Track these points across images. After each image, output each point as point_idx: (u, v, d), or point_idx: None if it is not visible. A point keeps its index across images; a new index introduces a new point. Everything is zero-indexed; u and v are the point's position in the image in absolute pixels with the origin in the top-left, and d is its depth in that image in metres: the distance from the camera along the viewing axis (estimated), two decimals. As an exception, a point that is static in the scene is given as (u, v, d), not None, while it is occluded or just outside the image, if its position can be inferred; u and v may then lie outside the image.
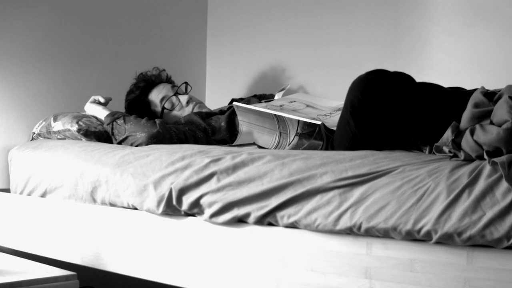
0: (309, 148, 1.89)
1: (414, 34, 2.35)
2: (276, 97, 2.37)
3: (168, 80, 2.58)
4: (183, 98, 2.46)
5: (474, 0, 2.21)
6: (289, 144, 1.95)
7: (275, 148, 1.98)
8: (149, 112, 2.47)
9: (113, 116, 2.23)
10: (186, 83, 2.54)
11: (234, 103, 2.08)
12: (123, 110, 2.61)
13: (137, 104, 2.49)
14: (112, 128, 2.22)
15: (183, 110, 2.45)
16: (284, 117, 1.92)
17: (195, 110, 2.44)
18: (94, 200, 1.94)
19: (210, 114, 2.36)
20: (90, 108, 2.36)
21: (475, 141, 1.32)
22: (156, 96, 2.47)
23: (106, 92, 2.69)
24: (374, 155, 1.49)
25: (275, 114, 1.95)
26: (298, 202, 1.48)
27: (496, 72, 2.15)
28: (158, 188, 1.74)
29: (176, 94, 2.47)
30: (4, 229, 2.25)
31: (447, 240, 1.26)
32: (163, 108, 2.44)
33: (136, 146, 2.12)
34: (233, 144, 2.08)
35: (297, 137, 1.92)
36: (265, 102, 2.32)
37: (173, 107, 2.45)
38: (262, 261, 1.55)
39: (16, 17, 2.46)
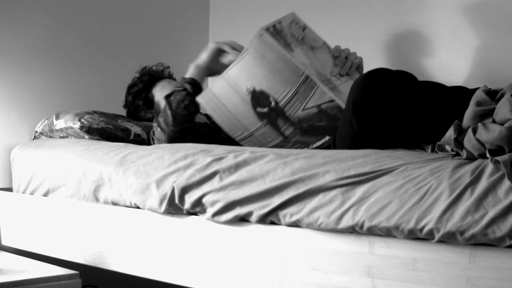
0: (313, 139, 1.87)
1: (416, 33, 2.35)
2: None
3: (171, 77, 2.57)
4: None
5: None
6: (303, 110, 1.85)
7: (283, 105, 1.87)
8: (150, 108, 2.45)
9: (184, 88, 2.11)
10: None
11: (261, 31, 1.87)
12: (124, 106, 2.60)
13: (139, 98, 2.45)
14: (169, 98, 2.09)
15: None
16: (313, 84, 1.81)
17: None
18: (97, 199, 1.95)
19: None
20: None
21: (478, 140, 1.32)
22: (160, 91, 2.43)
23: (108, 90, 2.70)
24: (376, 153, 1.49)
25: (305, 76, 1.82)
26: (301, 201, 1.48)
27: (499, 71, 2.15)
28: (160, 186, 1.74)
29: None
30: (6, 228, 2.25)
31: (449, 238, 1.26)
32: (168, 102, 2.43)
33: (153, 136, 2.11)
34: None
35: (315, 109, 1.83)
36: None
37: None
38: (264, 260, 1.56)
39: (18, 17, 2.46)
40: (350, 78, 1.95)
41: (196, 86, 2.12)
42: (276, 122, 1.89)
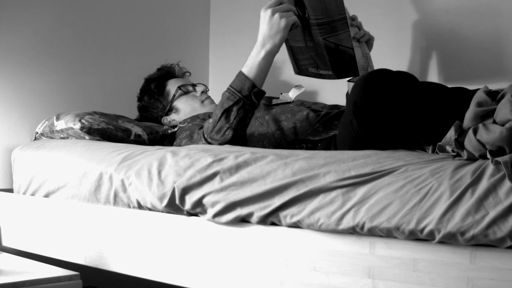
0: None
1: (417, 34, 2.35)
2: (290, 94, 2.36)
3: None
4: (199, 88, 2.50)
5: (476, -1, 2.21)
6: (323, 38, 1.92)
7: (312, 24, 1.93)
8: (160, 94, 2.49)
9: (239, 98, 1.93)
10: (205, 85, 2.57)
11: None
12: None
13: (154, 82, 2.52)
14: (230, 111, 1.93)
15: (195, 97, 2.47)
16: (346, 26, 1.90)
17: (208, 101, 2.48)
18: (98, 200, 1.95)
19: None
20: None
21: (478, 141, 1.32)
22: (174, 82, 2.53)
23: (108, 91, 2.70)
24: (377, 154, 1.49)
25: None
26: (301, 201, 1.48)
27: (499, 72, 2.15)
28: (161, 187, 1.74)
29: (193, 84, 2.53)
30: (7, 229, 2.25)
31: (450, 239, 1.26)
32: (179, 88, 2.47)
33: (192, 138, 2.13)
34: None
35: (333, 45, 1.91)
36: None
37: (187, 92, 2.48)
38: (265, 261, 1.56)
39: (19, 17, 2.46)
40: (358, 46, 2.01)
41: (259, 96, 1.96)
42: (304, 30, 1.95)
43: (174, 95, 2.47)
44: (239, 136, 1.94)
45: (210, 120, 1.97)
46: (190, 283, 1.70)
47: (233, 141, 1.93)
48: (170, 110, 2.47)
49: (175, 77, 2.58)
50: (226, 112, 1.93)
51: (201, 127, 2.12)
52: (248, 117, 1.95)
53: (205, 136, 1.97)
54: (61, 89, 2.58)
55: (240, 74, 1.94)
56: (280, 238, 1.53)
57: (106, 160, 1.94)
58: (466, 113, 1.41)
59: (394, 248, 1.35)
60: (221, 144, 1.93)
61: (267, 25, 1.87)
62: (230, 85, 1.96)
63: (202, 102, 2.46)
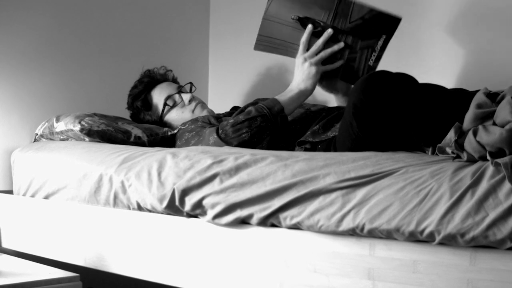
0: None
1: (417, 36, 2.35)
2: None
3: (174, 81, 2.57)
4: (186, 97, 2.43)
5: (475, 1, 2.21)
6: (350, 23, 1.99)
7: (331, 23, 2.00)
8: (148, 109, 2.45)
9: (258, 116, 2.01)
10: (191, 83, 2.52)
11: None
12: (124, 109, 2.60)
13: (138, 99, 2.46)
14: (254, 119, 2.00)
15: (184, 108, 2.43)
16: (348, 1, 1.96)
17: (199, 109, 2.42)
18: (97, 201, 1.95)
19: (226, 116, 2.34)
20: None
21: (478, 142, 1.32)
22: (159, 93, 2.45)
23: (109, 93, 2.70)
24: (377, 156, 1.49)
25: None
26: (301, 203, 1.48)
27: (499, 73, 2.15)
28: (161, 188, 1.74)
29: (179, 92, 2.45)
30: (7, 231, 2.25)
31: (450, 241, 1.26)
32: (165, 104, 2.41)
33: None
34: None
35: (360, 21, 1.99)
36: None
37: (175, 104, 2.42)
38: (265, 262, 1.56)
39: (18, 19, 2.46)
40: None
41: (284, 121, 2.05)
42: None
43: (162, 111, 2.43)
44: (251, 144, 1.98)
45: (231, 120, 2.02)
46: (190, 284, 1.70)
47: (244, 145, 1.97)
48: (163, 124, 2.43)
49: (157, 83, 2.49)
50: (250, 119, 1.99)
51: (211, 126, 2.10)
52: (267, 133, 2.00)
53: (219, 131, 2.00)
54: (61, 91, 2.58)
55: (273, 98, 2.07)
56: (280, 239, 1.53)
57: (106, 162, 1.94)
58: (466, 115, 1.42)
59: (394, 249, 1.35)
60: (232, 141, 1.97)
61: (299, 70, 2.06)
62: (260, 103, 2.06)
63: (193, 111, 2.42)
